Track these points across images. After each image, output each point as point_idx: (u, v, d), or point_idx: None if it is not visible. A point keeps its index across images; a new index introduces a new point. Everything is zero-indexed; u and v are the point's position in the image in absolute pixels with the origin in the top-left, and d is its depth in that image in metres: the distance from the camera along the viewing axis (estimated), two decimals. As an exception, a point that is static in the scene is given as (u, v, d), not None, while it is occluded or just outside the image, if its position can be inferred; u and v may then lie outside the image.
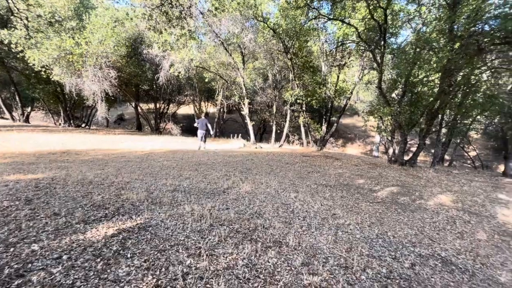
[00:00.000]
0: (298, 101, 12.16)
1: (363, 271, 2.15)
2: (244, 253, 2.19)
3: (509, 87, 10.28)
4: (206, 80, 16.21)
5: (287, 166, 6.70)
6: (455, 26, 6.89)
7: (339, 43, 12.58)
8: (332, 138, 22.13)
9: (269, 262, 2.10)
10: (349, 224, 3.13)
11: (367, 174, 6.41)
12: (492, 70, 8.56)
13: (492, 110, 9.26)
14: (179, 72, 12.51)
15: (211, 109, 23.38)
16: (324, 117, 14.12)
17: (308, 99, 12.08)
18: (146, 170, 5.16)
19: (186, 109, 24.92)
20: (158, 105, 20.19)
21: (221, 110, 20.28)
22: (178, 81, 17.14)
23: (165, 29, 6.26)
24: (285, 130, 13.85)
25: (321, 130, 13.47)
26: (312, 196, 4.13)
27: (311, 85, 12.42)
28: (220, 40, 12.26)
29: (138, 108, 18.82)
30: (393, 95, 10.96)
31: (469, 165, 17.26)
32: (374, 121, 13.64)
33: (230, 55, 12.87)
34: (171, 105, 21.76)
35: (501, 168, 14.66)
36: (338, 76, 13.08)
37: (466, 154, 17.52)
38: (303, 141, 14.42)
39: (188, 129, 19.88)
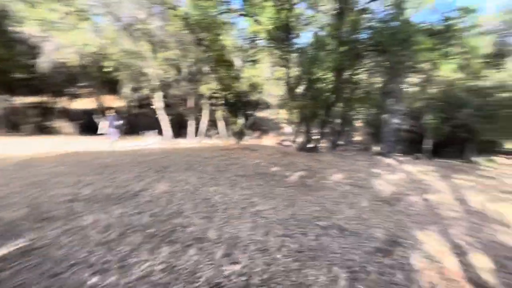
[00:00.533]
0: (215, 95, 12.11)
1: (279, 250, 2.36)
2: (162, 257, 2.05)
3: (380, 85, 13.20)
4: (108, 70, 14.05)
5: (206, 160, 6.63)
6: (342, 33, 8.27)
7: (251, 39, 13.13)
8: (249, 131, 23.20)
9: (189, 261, 2.04)
10: (266, 210, 3.37)
11: (280, 162, 7.04)
12: (368, 71, 10.75)
13: (370, 103, 11.71)
14: (69, 59, 10.37)
15: (118, 103, 20.52)
16: (241, 111, 14.60)
17: (224, 93, 12.20)
18: (29, 180, 4.11)
19: (85, 104, 21.04)
20: (42, 99, 16.24)
21: (130, 104, 18.10)
22: (69, 69, 14.17)
23: (40, 2, 5.00)
24: (203, 125, 13.61)
25: (239, 123, 13.90)
26: (231, 188, 4.23)
27: (226, 79, 12.56)
28: (122, 24, 10.79)
29: (12, 101, 14.65)
30: (298, 90, 12.34)
31: (356, 148, 21.45)
32: (284, 113, 15.05)
33: (136, 43, 11.54)
34: (61, 99, 17.88)
35: (377, 149, 18.92)
36: (251, 71, 13.69)
37: (353, 140, 21.58)
38: (221, 135, 14.55)
39: (89, 127, 16.88)
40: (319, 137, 10.03)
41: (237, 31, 13.13)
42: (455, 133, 13.38)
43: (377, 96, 11.52)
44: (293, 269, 2.12)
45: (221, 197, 3.71)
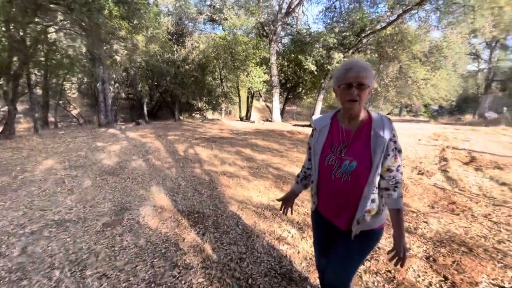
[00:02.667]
0: None
1: None
2: None
3: (84, 49, 11.71)
4: None
5: None
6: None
7: None
8: None
9: None
10: None
11: None
12: (65, 32, 8.99)
13: (76, 70, 10.16)
14: None
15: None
16: None
17: None
18: None
19: None
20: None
21: None
22: None
23: None
24: None
25: None
26: None
27: None
28: None
29: None
30: None
31: (75, 123, 18.53)
32: None
33: None
34: None
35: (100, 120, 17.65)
36: None
37: (69, 113, 18.32)
38: None
39: None
40: (8, 116, 7.22)
41: None
42: (164, 97, 16.02)
43: (83, 62, 10.26)
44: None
45: None
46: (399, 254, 1.03)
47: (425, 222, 2.64)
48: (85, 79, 15.72)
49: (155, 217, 2.77)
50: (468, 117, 21.03)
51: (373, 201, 1.07)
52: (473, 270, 1.83)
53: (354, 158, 1.06)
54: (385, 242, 2.21)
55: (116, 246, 2.24)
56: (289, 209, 1.48)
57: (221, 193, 3.46)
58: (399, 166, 1.06)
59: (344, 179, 1.08)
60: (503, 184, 3.95)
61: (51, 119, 15.24)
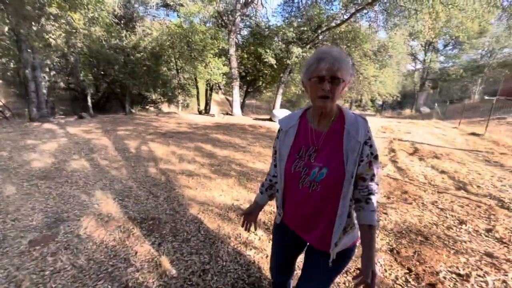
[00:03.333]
0: None
1: None
2: None
3: (6, 28, 9.76)
4: None
5: None
6: None
7: None
8: None
9: None
10: None
11: None
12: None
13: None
14: None
15: None
16: None
17: None
18: None
19: None
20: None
21: None
22: None
23: None
24: None
25: None
26: None
27: None
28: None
29: None
30: None
31: (1, 116, 15.68)
32: None
33: None
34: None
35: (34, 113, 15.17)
36: None
37: (-8, 105, 15.41)
38: None
39: None
40: None
41: None
42: (112, 88, 14.48)
43: (6, 44, 8.57)
44: None
45: None
46: (366, 281, 0.85)
47: (385, 213, 2.75)
48: (11, 65, 13.29)
49: (99, 228, 2.37)
50: (407, 111, 23.64)
51: (349, 215, 0.93)
52: (432, 259, 1.92)
53: (324, 164, 0.90)
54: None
55: (47, 269, 1.82)
56: (253, 225, 1.29)
57: (179, 195, 3.15)
58: (373, 175, 0.91)
59: (313, 189, 0.92)
60: (443, 172, 4.40)
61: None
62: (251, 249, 2.11)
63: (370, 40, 11.59)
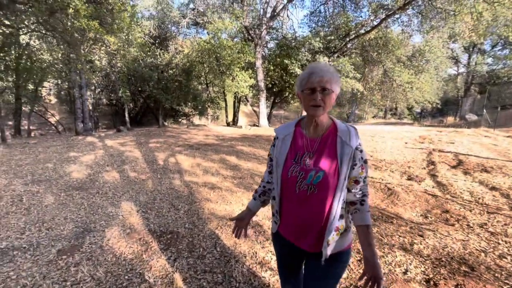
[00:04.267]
0: None
1: None
2: None
3: (60, 54, 11.07)
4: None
5: None
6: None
7: None
8: None
9: None
10: None
11: None
12: (35, 33, 8.46)
13: (49, 75, 9.57)
14: None
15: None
16: None
17: None
18: None
19: None
20: None
21: None
22: None
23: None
24: None
25: None
26: None
27: None
28: None
29: None
30: None
31: (54, 131, 17.62)
32: None
33: None
34: None
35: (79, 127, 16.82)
36: None
37: (47, 121, 17.43)
38: None
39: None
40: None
41: None
42: (148, 103, 15.51)
43: (59, 67, 9.70)
44: None
45: None
46: (378, 275, 0.91)
47: (421, 235, 2.44)
48: (65, 85, 15.00)
49: (121, 239, 2.43)
50: (450, 119, 21.64)
51: (341, 217, 1.00)
52: (478, 296, 1.62)
53: (321, 168, 0.97)
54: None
55: (68, 280, 1.89)
56: (243, 231, 1.31)
57: (200, 208, 3.14)
58: (365, 177, 1.00)
59: (311, 191, 0.97)
60: (493, 188, 3.85)
61: (26, 127, 14.41)
62: (266, 271, 1.99)
63: (404, 46, 10.96)
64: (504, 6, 7.33)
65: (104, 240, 2.42)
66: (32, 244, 2.34)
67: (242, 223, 1.30)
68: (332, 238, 0.98)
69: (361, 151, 0.99)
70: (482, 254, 2.15)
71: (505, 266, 1.97)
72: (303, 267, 1.19)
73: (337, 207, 0.97)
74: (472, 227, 2.63)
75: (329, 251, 0.98)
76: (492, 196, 3.55)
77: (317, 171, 0.96)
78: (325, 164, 0.97)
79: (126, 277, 1.92)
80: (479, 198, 3.49)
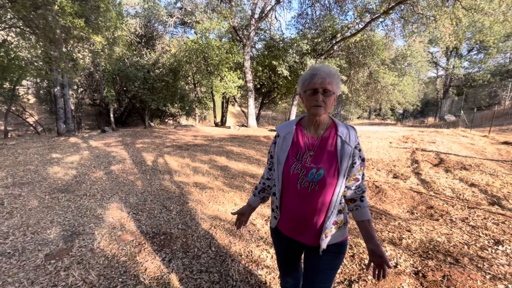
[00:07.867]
0: None
1: None
2: None
3: (40, 51, 10.57)
4: None
5: None
6: None
7: None
8: None
9: None
10: None
11: None
12: (14, 30, 8.06)
13: (27, 73, 9.11)
14: None
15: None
16: None
17: None
18: None
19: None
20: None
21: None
22: None
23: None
24: None
25: None
26: None
27: None
28: None
29: None
30: None
31: (32, 132, 16.81)
32: None
33: None
34: None
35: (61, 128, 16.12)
36: None
37: (25, 121, 16.62)
38: None
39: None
40: None
41: None
42: (133, 103, 15.13)
43: (39, 65, 9.27)
44: None
45: None
46: (386, 262, 0.99)
47: (408, 230, 2.54)
48: (45, 83, 14.36)
49: (112, 242, 2.37)
50: (430, 120, 22.57)
51: (340, 212, 1.06)
52: (464, 285, 1.71)
53: (321, 166, 1.01)
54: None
55: (59, 284, 1.83)
56: (244, 223, 1.39)
57: (192, 209, 3.12)
58: (363, 174, 1.06)
59: (312, 188, 1.01)
60: (473, 185, 4.07)
61: (2, 127, 13.66)
62: (262, 268, 2.01)
63: (387, 48, 11.34)
64: (480, 13, 7.76)
65: (95, 243, 2.35)
66: (17, 249, 2.24)
67: (243, 217, 1.36)
68: (330, 231, 1.04)
69: (359, 150, 1.04)
70: (465, 246, 2.28)
71: (487, 257, 2.10)
72: (302, 260, 1.23)
73: (336, 203, 1.02)
74: (455, 222, 2.78)
75: (325, 243, 1.03)
76: (471, 192, 3.76)
77: (318, 169, 1.00)
78: (325, 162, 1.01)
79: (120, 279, 1.88)
80: (460, 194, 3.68)
